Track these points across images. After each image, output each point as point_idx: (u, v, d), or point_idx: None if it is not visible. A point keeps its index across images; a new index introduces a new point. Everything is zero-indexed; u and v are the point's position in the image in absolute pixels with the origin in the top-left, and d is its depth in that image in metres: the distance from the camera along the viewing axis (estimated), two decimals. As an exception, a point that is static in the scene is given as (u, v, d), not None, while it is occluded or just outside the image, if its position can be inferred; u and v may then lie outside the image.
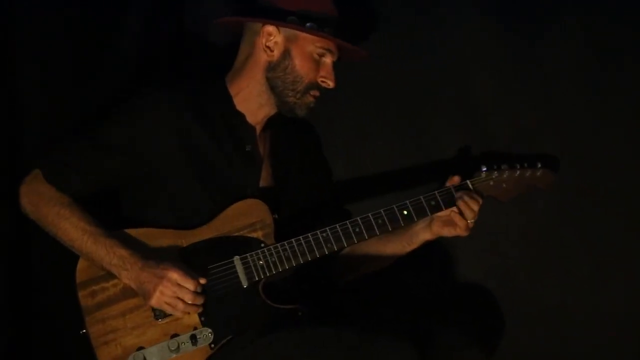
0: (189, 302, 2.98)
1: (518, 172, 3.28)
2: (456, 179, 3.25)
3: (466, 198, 3.18)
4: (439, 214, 3.21)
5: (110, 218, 3.15)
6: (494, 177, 3.27)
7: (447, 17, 3.75)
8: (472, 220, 3.20)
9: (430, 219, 3.24)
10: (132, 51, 3.60)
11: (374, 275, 3.43)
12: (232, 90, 3.27)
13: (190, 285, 2.97)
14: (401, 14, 3.76)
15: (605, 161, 3.66)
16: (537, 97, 3.72)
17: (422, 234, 3.28)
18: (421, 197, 3.21)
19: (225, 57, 3.38)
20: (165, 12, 3.72)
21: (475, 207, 3.18)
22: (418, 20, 3.77)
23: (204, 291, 3.02)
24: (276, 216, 3.16)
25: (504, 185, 3.28)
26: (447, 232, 3.22)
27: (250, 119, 3.28)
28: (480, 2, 3.73)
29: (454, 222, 3.20)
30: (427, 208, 3.21)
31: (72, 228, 3.07)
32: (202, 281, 3.01)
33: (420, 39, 3.78)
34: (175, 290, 2.96)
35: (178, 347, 3.02)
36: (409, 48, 3.77)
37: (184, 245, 3.10)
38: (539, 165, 3.30)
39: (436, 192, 3.22)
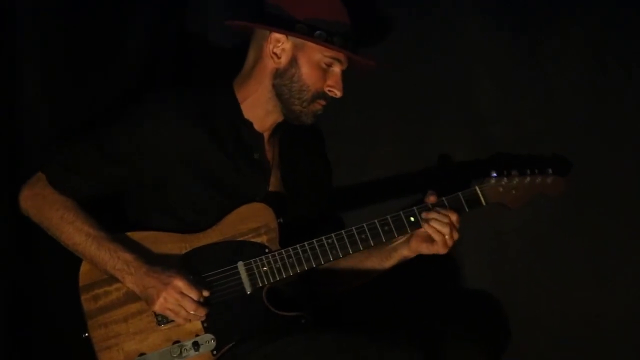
0: (191, 311, 2.96)
1: (528, 179, 3.26)
2: (432, 199, 3.21)
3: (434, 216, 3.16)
4: (419, 230, 3.19)
5: (114, 222, 3.12)
6: (503, 183, 3.24)
7: (449, 24, 3.71)
8: (449, 237, 3.16)
9: (410, 235, 3.21)
10: (136, 54, 3.54)
11: (379, 282, 3.40)
12: (240, 97, 3.21)
13: (194, 295, 2.96)
14: (403, 21, 3.71)
15: (608, 166, 3.65)
16: (540, 103, 3.70)
17: (400, 249, 3.26)
18: (428, 204, 3.19)
19: (232, 61, 3.32)
20: (170, 16, 3.67)
21: (446, 223, 3.16)
22: (421, 27, 3.73)
23: (207, 299, 3.00)
24: (281, 220, 3.13)
25: (514, 192, 3.25)
26: (426, 248, 3.20)
27: (258, 125, 3.22)
28: (482, 9, 3.69)
29: (431, 237, 3.17)
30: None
31: (75, 232, 3.03)
32: (206, 293, 3.00)
33: (423, 46, 3.74)
34: (179, 299, 2.94)
35: (180, 353, 3.00)
36: (412, 54, 3.73)
37: (188, 249, 3.07)
38: (550, 172, 3.28)
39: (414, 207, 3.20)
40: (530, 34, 3.69)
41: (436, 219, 3.15)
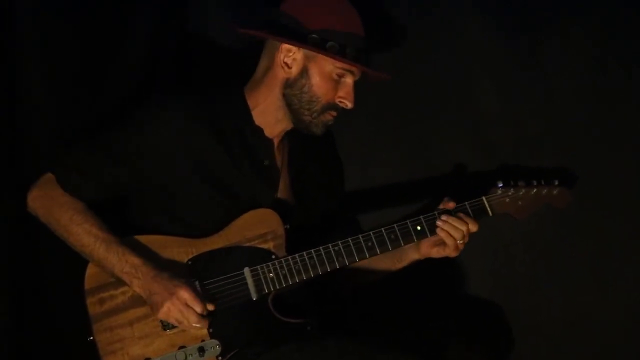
0: (193, 324, 2.97)
1: (535, 190, 3.27)
2: (450, 205, 3.22)
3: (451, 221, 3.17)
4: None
5: (122, 225, 3.12)
6: (510, 194, 3.25)
7: (449, 24, 3.71)
8: (462, 242, 3.18)
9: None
10: (136, 54, 3.53)
11: (383, 289, 3.42)
12: (251, 103, 3.19)
13: (198, 308, 2.95)
14: (403, 21, 3.71)
15: (608, 167, 3.66)
16: (540, 103, 3.70)
17: (410, 253, 3.27)
18: (435, 212, 3.20)
19: (233, 61, 3.38)
20: (171, 16, 3.65)
21: (460, 230, 3.17)
22: (421, 27, 3.72)
23: (210, 313, 3.00)
24: (288, 226, 3.13)
25: (520, 203, 3.26)
26: (436, 252, 3.22)
27: (268, 132, 3.21)
28: (482, 9, 3.68)
29: (443, 241, 3.18)
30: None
31: (84, 234, 3.02)
32: (210, 307, 2.99)
33: (423, 46, 3.74)
34: (183, 310, 2.94)
35: (185, 358, 3.00)
36: (412, 55, 3.73)
37: (195, 253, 3.07)
38: (556, 183, 3.29)
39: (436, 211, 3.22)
40: (530, 34, 3.69)
41: (450, 224, 3.16)
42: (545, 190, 3.29)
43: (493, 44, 3.72)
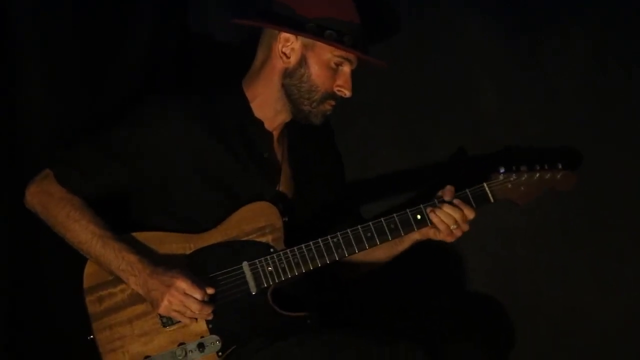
0: (196, 312, 2.95)
1: (537, 175, 3.22)
2: (448, 192, 3.21)
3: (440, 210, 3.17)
4: None
5: (120, 221, 3.11)
6: (512, 179, 3.21)
7: (449, 24, 3.70)
8: (455, 227, 3.16)
9: None
10: (137, 53, 3.54)
11: (383, 282, 3.41)
12: (249, 96, 3.19)
13: (198, 295, 2.94)
14: (403, 21, 3.71)
15: (608, 167, 3.65)
16: (540, 103, 3.70)
17: (412, 234, 3.24)
18: (435, 200, 3.19)
19: (233, 59, 3.35)
20: (171, 15, 3.66)
21: (451, 216, 3.16)
22: (421, 27, 3.72)
23: (212, 299, 2.99)
24: (286, 219, 3.12)
25: (522, 188, 3.22)
26: (433, 234, 3.22)
27: (268, 124, 3.21)
28: (482, 9, 3.68)
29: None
30: None
31: (81, 230, 3.02)
32: (210, 291, 2.98)
33: (423, 46, 3.74)
34: (183, 300, 2.93)
35: (185, 355, 3.00)
36: (412, 55, 3.73)
37: (192, 249, 3.06)
38: (560, 167, 3.24)
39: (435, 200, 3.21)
40: (530, 34, 3.69)
41: (442, 210, 3.16)
42: (549, 175, 3.24)
43: (493, 44, 3.72)
